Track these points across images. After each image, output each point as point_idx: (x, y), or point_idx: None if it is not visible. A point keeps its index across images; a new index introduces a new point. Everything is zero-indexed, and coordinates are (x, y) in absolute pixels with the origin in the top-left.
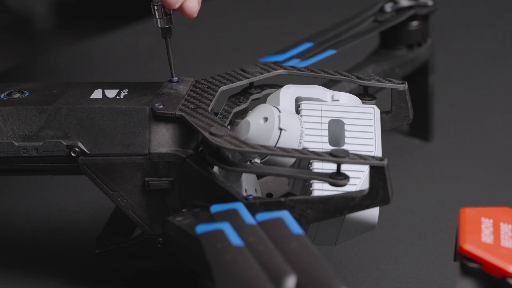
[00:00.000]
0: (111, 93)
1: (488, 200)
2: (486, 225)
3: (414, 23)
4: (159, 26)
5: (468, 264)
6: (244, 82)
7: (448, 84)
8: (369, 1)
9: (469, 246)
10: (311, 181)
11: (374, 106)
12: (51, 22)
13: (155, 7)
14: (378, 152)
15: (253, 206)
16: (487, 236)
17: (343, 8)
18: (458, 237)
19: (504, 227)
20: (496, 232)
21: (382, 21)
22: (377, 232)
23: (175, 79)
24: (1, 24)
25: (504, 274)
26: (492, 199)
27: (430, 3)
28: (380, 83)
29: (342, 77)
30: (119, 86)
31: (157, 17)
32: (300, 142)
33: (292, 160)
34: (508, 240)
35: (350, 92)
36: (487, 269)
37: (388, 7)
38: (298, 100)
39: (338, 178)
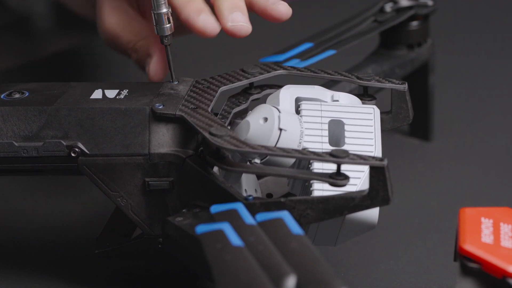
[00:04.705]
0: (111, 93)
1: (488, 200)
2: (486, 225)
3: (414, 23)
4: (160, 34)
5: (468, 264)
6: (244, 82)
7: (448, 84)
8: (369, 1)
9: (469, 246)
10: (311, 181)
11: (374, 107)
12: (51, 22)
13: (156, 15)
14: (378, 153)
15: (253, 207)
16: (487, 236)
17: (343, 8)
18: (458, 237)
19: (504, 227)
20: (496, 232)
21: (382, 21)
22: (377, 232)
23: (175, 82)
24: (1, 24)
25: (504, 274)
26: (492, 199)
27: (430, 3)
28: (380, 84)
29: (342, 77)
30: (119, 86)
31: (158, 24)
32: (300, 142)
33: (292, 160)
34: (508, 240)
35: (350, 92)
36: (487, 269)
37: (388, 7)
38: (298, 100)
39: (338, 178)
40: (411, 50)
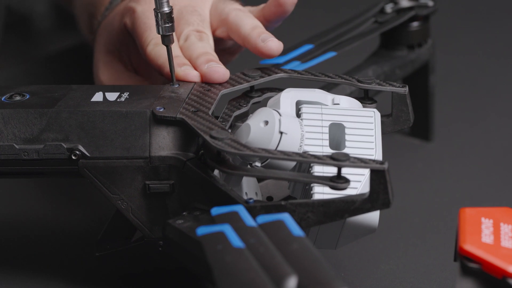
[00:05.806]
0: (112, 96)
1: (488, 200)
2: (486, 225)
3: (415, 24)
4: (161, 33)
5: (468, 264)
6: (245, 85)
7: (448, 84)
8: (369, 2)
9: (469, 246)
10: (312, 185)
11: (375, 110)
12: (51, 22)
13: (158, 14)
14: (378, 156)
15: (254, 210)
16: (487, 236)
17: (344, 9)
18: (458, 237)
19: (504, 227)
20: (496, 232)
21: (383, 22)
22: (377, 232)
23: (176, 85)
24: (1, 24)
25: (504, 274)
26: (492, 199)
27: (430, 3)
28: (380, 87)
29: (343, 80)
30: (120, 89)
31: (160, 24)
32: (300, 146)
33: (293, 163)
34: (508, 240)
35: (350, 94)
36: (487, 269)
37: (389, 8)
38: (298, 104)
39: (338, 181)
40: (411, 51)
